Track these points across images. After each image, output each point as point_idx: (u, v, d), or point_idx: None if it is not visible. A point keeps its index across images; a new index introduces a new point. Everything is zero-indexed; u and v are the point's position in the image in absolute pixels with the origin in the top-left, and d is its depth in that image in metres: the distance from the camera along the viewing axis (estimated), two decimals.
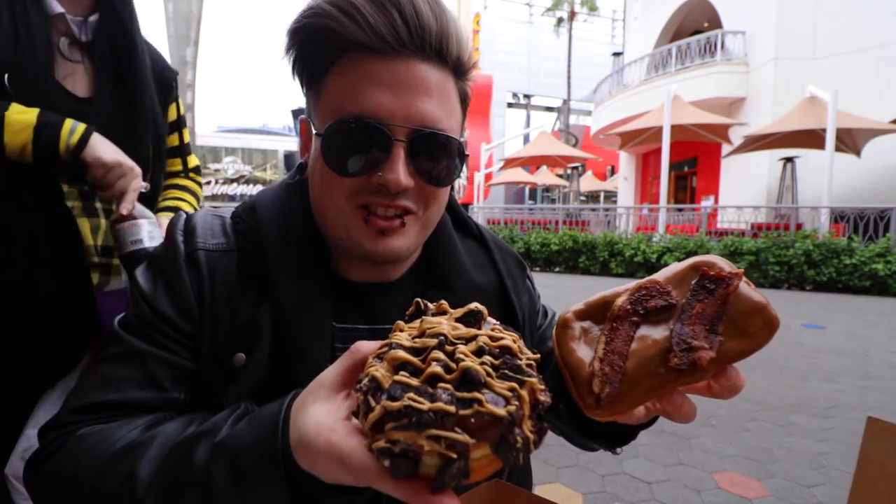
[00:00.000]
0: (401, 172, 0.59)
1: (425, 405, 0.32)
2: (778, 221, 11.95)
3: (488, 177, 25.04)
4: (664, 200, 13.95)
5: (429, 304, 0.44)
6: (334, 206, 0.62)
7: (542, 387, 0.38)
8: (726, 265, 0.48)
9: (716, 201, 15.94)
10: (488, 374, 0.35)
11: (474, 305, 0.42)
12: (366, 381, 0.36)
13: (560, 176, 26.63)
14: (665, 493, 2.58)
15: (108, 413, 0.57)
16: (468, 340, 0.38)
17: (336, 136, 0.59)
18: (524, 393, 0.35)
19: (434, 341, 0.37)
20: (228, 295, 0.63)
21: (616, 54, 30.00)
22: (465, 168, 0.70)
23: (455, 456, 0.32)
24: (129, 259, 1.01)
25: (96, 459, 0.52)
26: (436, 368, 0.34)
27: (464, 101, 0.68)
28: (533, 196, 37.79)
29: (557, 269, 12.41)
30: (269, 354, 0.62)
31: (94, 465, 0.52)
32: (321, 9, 0.58)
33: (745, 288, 0.46)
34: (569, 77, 29.21)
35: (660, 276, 0.50)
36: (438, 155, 0.62)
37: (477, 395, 0.33)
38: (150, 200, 1.25)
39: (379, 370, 0.36)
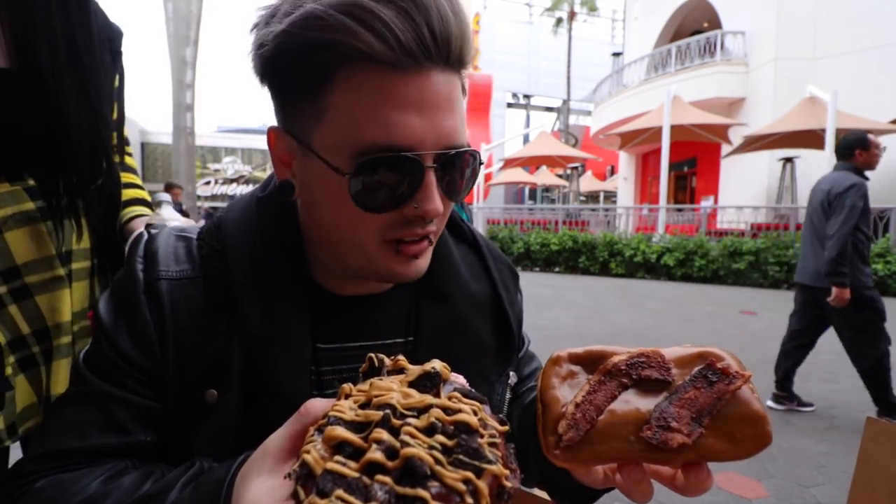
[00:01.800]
0: (437, 200, 0.54)
1: None
2: (777, 221, 11.96)
3: (488, 177, 25.04)
4: (664, 200, 13.95)
5: (385, 360, 0.40)
6: (357, 242, 0.57)
7: (508, 471, 0.32)
8: (735, 363, 0.47)
9: (715, 201, 15.94)
10: (437, 462, 0.29)
11: (431, 367, 0.37)
12: (297, 465, 0.32)
13: (560, 176, 26.63)
14: (665, 493, 2.57)
15: (70, 461, 0.54)
16: (420, 412, 0.33)
17: (367, 175, 0.52)
18: (481, 485, 0.29)
19: (379, 415, 0.32)
20: (195, 326, 0.58)
21: (616, 54, 30.00)
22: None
23: None
24: None
25: None
26: (375, 455, 0.29)
27: (463, 92, 0.63)
28: (533, 196, 37.79)
29: (557, 269, 12.42)
30: (240, 391, 0.57)
31: None
32: (335, 20, 0.48)
33: (748, 393, 0.45)
34: (568, 77, 29.22)
35: (666, 351, 0.49)
36: (462, 171, 0.59)
37: (420, 492, 0.28)
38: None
39: (312, 452, 0.31)
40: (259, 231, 0.63)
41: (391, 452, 0.30)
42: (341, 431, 0.32)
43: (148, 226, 0.76)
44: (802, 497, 2.55)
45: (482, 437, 0.32)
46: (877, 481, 0.61)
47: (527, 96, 47.37)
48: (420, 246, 0.58)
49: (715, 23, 17.69)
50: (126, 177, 1.34)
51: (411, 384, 0.36)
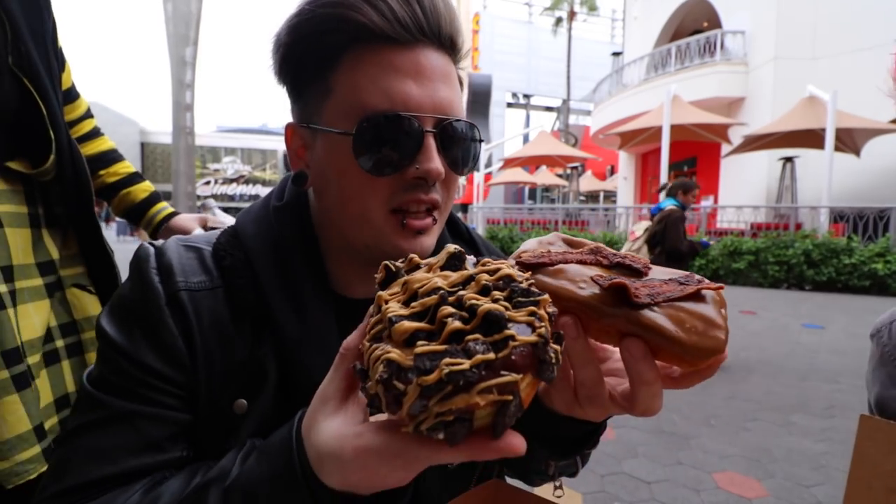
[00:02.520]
0: (438, 161, 0.58)
1: (466, 364, 0.30)
2: (777, 221, 11.96)
3: (488, 177, 25.04)
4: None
5: (397, 264, 0.41)
6: (365, 213, 0.59)
7: (549, 298, 0.37)
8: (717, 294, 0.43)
9: (715, 201, 15.94)
10: (506, 309, 0.34)
11: (453, 248, 0.39)
12: (381, 367, 0.32)
13: (560, 176, 26.63)
14: (665, 493, 2.58)
15: (98, 490, 0.50)
16: (465, 284, 0.36)
17: (368, 134, 0.56)
18: (543, 312, 0.34)
19: (435, 298, 0.34)
20: (219, 336, 0.57)
21: (616, 54, 29.98)
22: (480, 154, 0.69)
23: (510, 397, 0.31)
24: None
25: None
26: (455, 324, 0.32)
27: (461, 85, 0.67)
28: (532, 196, 37.78)
29: None
30: (274, 397, 0.57)
31: None
32: None
33: (714, 303, 0.41)
34: (568, 77, 29.21)
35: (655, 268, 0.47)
36: (462, 142, 0.62)
37: (507, 332, 0.32)
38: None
39: (392, 352, 0.32)
40: (280, 238, 0.64)
41: (464, 320, 0.33)
42: (410, 324, 0.33)
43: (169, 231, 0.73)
44: (802, 497, 2.55)
45: (523, 281, 0.37)
46: (872, 479, 0.61)
47: (526, 96, 47.38)
48: (424, 221, 0.60)
49: (715, 22, 17.69)
50: (124, 166, 1.34)
51: (442, 269, 0.38)
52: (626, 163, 22.72)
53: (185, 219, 1.39)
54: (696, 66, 16.46)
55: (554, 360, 0.33)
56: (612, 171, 31.76)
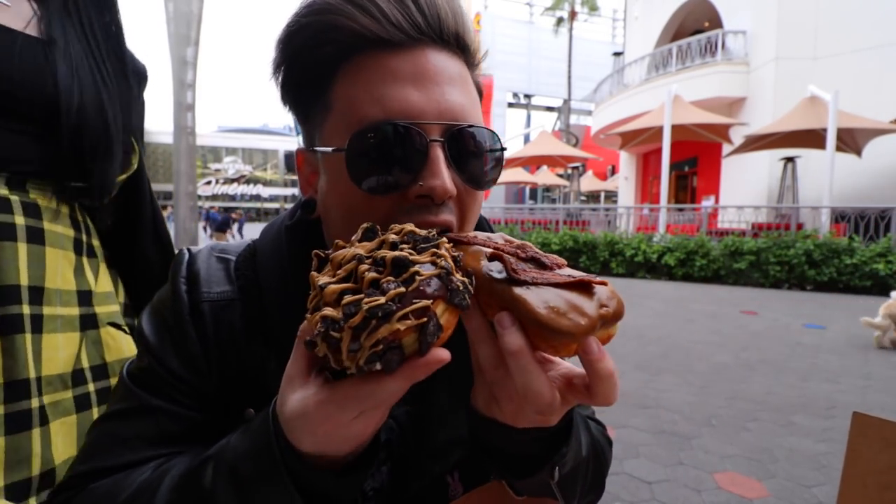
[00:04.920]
0: (445, 176, 0.51)
1: (382, 299, 0.35)
2: (779, 221, 11.96)
3: None
4: (665, 200, 13.95)
5: (325, 251, 0.45)
6: None
7: (450, 244, 0.44)
8: (611, 294, 0.45)
9: (716, 201, 15.94)
10: (411, 254, 0.39)
11: (367, 224, 0.44)
12: (319, 325, 0.37)
13: (560, 176, 26.63)
14: (665, 493, 2.58)
15: (118, 473, 0.55)
16: (379, 247, 0.41)
17: (362, 149, 0.51)
18: (442, 252, 0.40)
19: (354, 263, 0.39)
20: (235, 347, 0.59)
21: (616, 54, 29.99)
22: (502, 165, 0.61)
23: (426, 319, 0.36)
24: None
25: None
26: (370, 275, 0.38)
27: (480, 94, 0.61)
28: (533, 196, 37.79)
29: None
30: None
31: None
32: (326, 3, 0.51)
33: (588, 294, 0.43)
34: (569, 77, 29.20)
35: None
36: (477, 151, 0.55)
37: (412, 269, 0.38)
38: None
39: (325, 311, 0.37)
40: (289, 259, 0.63)
41: (379, 271, 0.38)
42: (335, 285, 0.38)
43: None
44: (803, 497, 2.55)
45: (427, 234, 0.43)
46: (866, 475, 0.61)
47: (527, 96, 47.37)
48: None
49: (716, 22, 17.67)
50: None
51: (360, 241, 0.43)
52: (626, 163, 22.72)
53: None
54: (697, 66, 16.45)
55: (462, 288, 0.39)
56: (613, 171, 31.76)
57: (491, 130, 0.56)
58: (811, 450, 3.07)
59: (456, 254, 0.42)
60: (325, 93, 0.55)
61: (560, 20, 30.35)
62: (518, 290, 0.42)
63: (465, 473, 0.64)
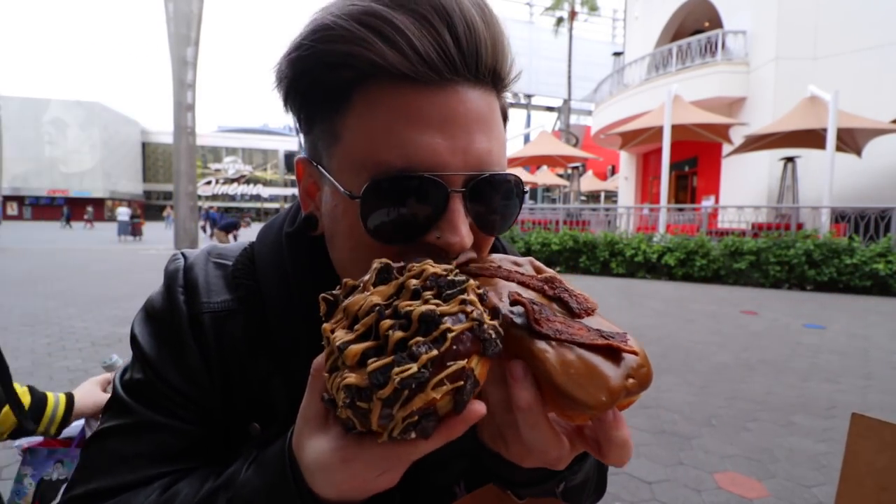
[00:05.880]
0: (463, 231, 0.48)
1: (413, 367, 0.32)
2: (779, 221, 11.95)
3: None
4: (665, 200, 13.95)
5: (334, 293, 0.42)
6: None
7: (476, 282, 0.40)
8: (640, 352, 0.41)
9: (716, 201, 15.93)
10: (438, 305, 0.36)
11: (378, 263, 0.40)
12: (342, 395, 0.34)
13: (560, 176, 26.63)
14: (666, 493, 2.58)
15: (120, 494, 0.53)
16: (398, 293, 0.38)
17: (379, 200, 0.47)
18: (471, 297, 0.37)
19: (373, 316, 0.36)
20: (237, 361, 0.57)
21: (616, 54, 29.98)
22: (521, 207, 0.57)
23: (462, 382, 0.34)
24: None
25: None
26: (396, 334, 0.34)
27: (505, 117, 0.56)
28: (533, 196, 37.80)
29: (558, 268, 12.41)
30: (286, 425, 0.55)
31: None
32: (343, 30, 0.45)
33: (615, 362, 0.39)
34: (569, 77, 29.22)
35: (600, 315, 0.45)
36: (498, 199, 0.51)
37: (443, 326, 0.34)
38: None
39: (348, 377, 0.34)
40: (292, 269, 0.59)
41: (404, 327, 0.35)
42: (357, 346, 0.35)
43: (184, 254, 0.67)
44: (803, 497, 2.55)
45: (448, 274, 0.39)
46: (864, 476, 0.61)
47: (527, 96, 47.36)
48: None
49: (716, 22, 17.68)
50: None
51: (374, 284, 0.39)
52: (626, 163, 22.72)
53: (87, 394, 1.15)
54: (698, 65, 16.45)
55: (494, 336, 0.36)
56: (613, 171, 31.77)
57: (515, 176, 0.52)
58: (811, 450, 3.07)
59: (482, 291, 0.39)
60: (333, 119, 0.50)
61: (560, 20, 30.37)
62: (538, 344, 0.38)
63: (472, 484, 0.64)
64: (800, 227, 11.29)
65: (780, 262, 9.96)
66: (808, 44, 14.32)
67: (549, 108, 47.24)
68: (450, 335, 0.34)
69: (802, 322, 6.77)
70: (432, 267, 0.39)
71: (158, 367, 0.56)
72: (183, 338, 0.56)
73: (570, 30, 30.08)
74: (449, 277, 0.38)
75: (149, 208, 59.85)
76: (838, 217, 11.34)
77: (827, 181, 11.19)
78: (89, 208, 38.67)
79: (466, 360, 0.34)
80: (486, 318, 0.37)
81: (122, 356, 1.11)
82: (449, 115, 0.46)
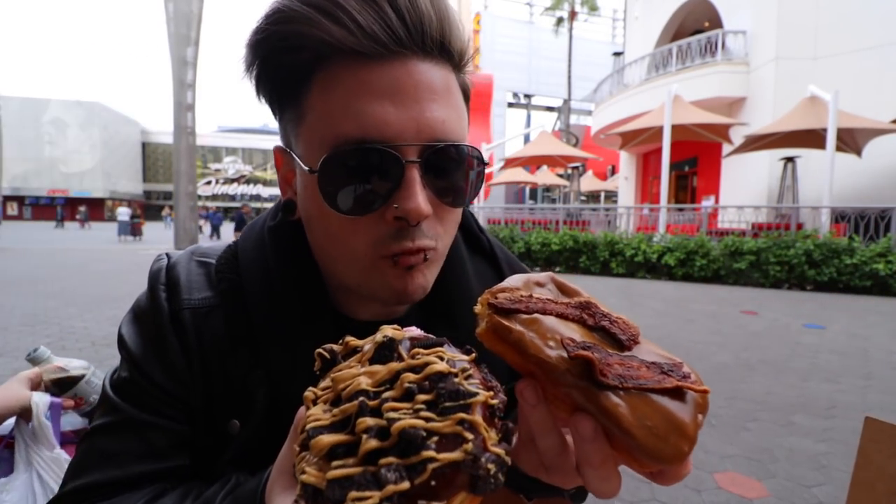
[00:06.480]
0: (420, 199, 0.49)
1: (375, 497, 0.27)
2: (779, 221, 11.95)
3: (489, 177, 25.03)
4: (665, 200, 13.94)
5: (334, 349, 0.39)
6: (351, 254, 0.53)
7: (490, 392, 0.33)
8: (698, 381, 0.38)
9: (716, 201, 15.93)
10: (428, 420, 0.30)
11: (382, 336, 0.36)
12: (299, 489, 0.31)
13: (560, 176, 26.62)
14: (665, 493, 2.58)
15: (109, 491, 0.54)
16: (391, 382, 0.33)
17: (336, 171, 0.49)
18: (474, 418, 0.30)
19: (355, 405, 0.31)
20: (218, 357, 0.57)
21: (616, 54, 29.97)
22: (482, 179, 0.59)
23: None
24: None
25: None
26: (370, 443, 0.29)
27: (466, 96, 0.58)
28: (533, 196, 37.79)
29: (558, 268, 12.41)
30: (264, 422, 0.57)
31: None
32: (292, 11, 0.48)
33: (691, 404, 0.36)
34: (569, 77, 29.21)
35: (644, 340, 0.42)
36: (456, 170, 0.53)
37: (424, 454, 0.28)
38: None
39: (308, 471, 0.30)
40: (274, 262, 0.60)
41: (383, 433, 0.30)
42: (327, 438, 0.31)
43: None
44: (803, 497, 2.54)
45: (456, 376, 0.33)
46: (876, 481, 0.61)
47: (527, 96, 47.38)
48: (416, 257, 0.52)
49: (716, 22, 17.67)
50: None
51: (371, 361, 0.35)
52: (626, 163, 22.72)
53: (11, 393, 1.11)
54: (697, 65, 16.45)
55: (493, 471, 0.30)
56: (613, 171, 31.75)
57: (471, 146, 0.54)
58: (811, 450, 3.07)
59: (495, 402, 0.33)
60: (298, 100, 0.52)
61: (560, 20, 30.36)
62: (608, 397, 0.34)
63: None
64: (800, 227, 11.29)
65: (780, 262, 9.96)
66: (808, 44, 14.32)
67: (549, 108, 47.26)
68: (430, 466, 0.28)
69: (802, 322, 6.77)
70: (439, 363, 0.33)
71: (143, 365, 0.57)
72: (164, 335, 0.57)
73: (570, 30, 30.06)
74: (456, 381, 0.32)
75: (149, 208, 59.89)
76: (838, 217, 11.34)
77: (827, 181, 11.19)
78: (81, 208, 38.41)
79: (446, 500, 0.28)
80: (490, 442, 0.31)
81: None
82: (399, 85, 0.48)
